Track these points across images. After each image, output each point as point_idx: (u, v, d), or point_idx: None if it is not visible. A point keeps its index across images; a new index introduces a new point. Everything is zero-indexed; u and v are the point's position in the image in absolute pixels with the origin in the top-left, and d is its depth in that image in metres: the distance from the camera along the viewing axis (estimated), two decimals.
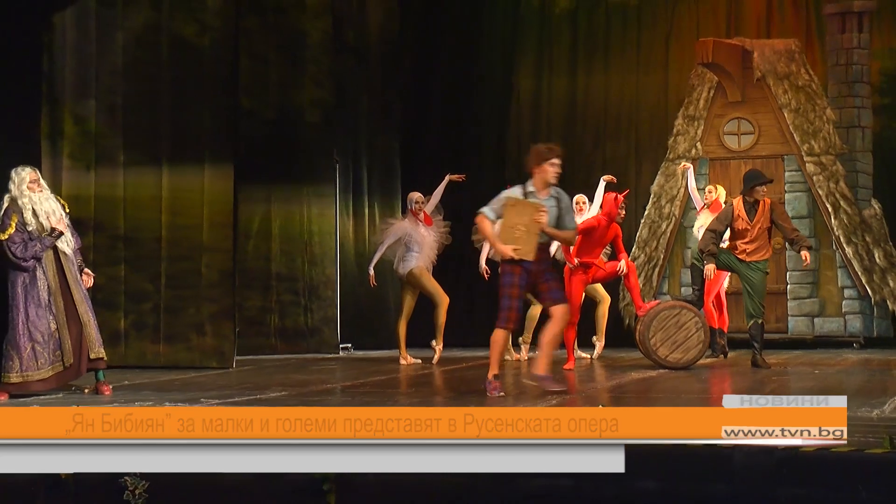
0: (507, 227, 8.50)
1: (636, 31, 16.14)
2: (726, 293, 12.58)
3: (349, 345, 14.36)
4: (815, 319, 14.66)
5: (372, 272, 12.60)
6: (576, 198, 12.70)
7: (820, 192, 14.61)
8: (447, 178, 12.73)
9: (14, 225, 9.00)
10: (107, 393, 9.17)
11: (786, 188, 14.80)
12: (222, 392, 9.11)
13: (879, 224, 14.81)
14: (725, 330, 12.48)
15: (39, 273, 9.10)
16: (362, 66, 15.31)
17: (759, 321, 11.11)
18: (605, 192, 11.84)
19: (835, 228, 14.51)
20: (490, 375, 8.60)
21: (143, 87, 12.07)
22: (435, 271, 12.49)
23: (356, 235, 15.00)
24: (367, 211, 15.20)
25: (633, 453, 5.67)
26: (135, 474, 5.97)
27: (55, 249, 9.17)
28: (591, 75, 16.19)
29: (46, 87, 11.42)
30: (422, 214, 12.38)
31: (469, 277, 13.82)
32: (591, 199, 12.64)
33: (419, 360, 12.28)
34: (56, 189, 11.65)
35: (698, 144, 15.08)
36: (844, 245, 14.49)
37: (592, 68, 16.20)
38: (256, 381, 10.17)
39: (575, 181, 14.01)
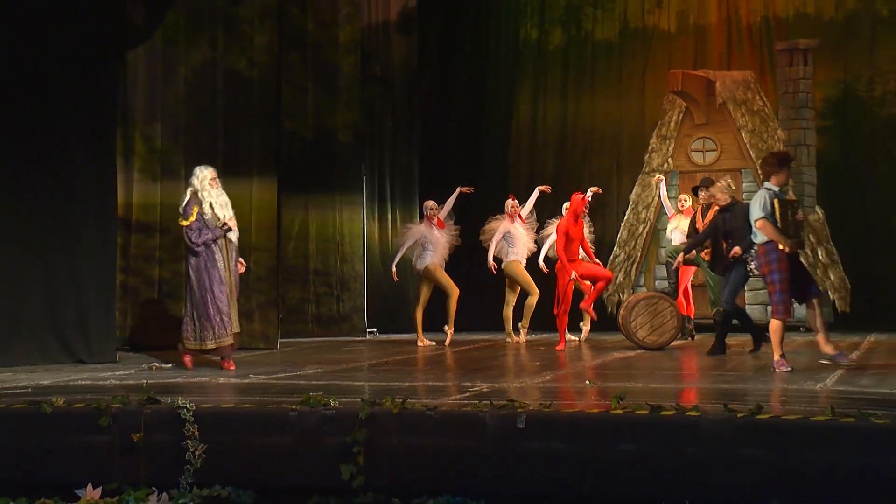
0: (782, 224, 8.34)
1: (618, 65, 16.15)
2: (692, 285, 12.58)
3: (375, 329, 14.37)
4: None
5: (394, 268, 12.60)
6: (566, 205, 12.71)
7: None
8: (458, 189, 12.73)
9: (195, 214, 9.09)
10: (231, 368, 9.18)
11: (743, 197, 14.74)
12: (268, 369, 9.13)
13: (822, 227, 14.79)
14: (692, 316, 12.48)
15: (218, 256, 9.16)
16: (387, 93, 15.33)
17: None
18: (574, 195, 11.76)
19: None
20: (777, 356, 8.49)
21: (202, 112, 12.10)
22: (447, 267, 12.50)
23: (380, 237, 15.01)
24: (389, 216, 15.21)
25: (615, 420, 5.68)
26: (194, 438, 5.98)
27: (226, 237, 9.23)
28: (579, 101, 16.21)
29: (121, 112, 11.45)
30: (436, 219, 12.38)
31: (476, 272, 13.83)
32: None
33: (434, 343, 12.28)
34: (127, 198, 11.76)
35: (670, 159, 15.08)
36: None
37: (581, 95, 16.22)
38: (297, 360, 10.18)
39: (567, 191, 14.03)
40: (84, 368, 9.27)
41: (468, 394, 6.96)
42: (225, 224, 9.14)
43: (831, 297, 14.48)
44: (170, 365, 9.50)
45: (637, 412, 5.70)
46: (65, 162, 9.80)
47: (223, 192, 9.32)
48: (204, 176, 9.21)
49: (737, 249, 9.69)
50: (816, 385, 7.38)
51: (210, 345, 9.12)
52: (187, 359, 9.24)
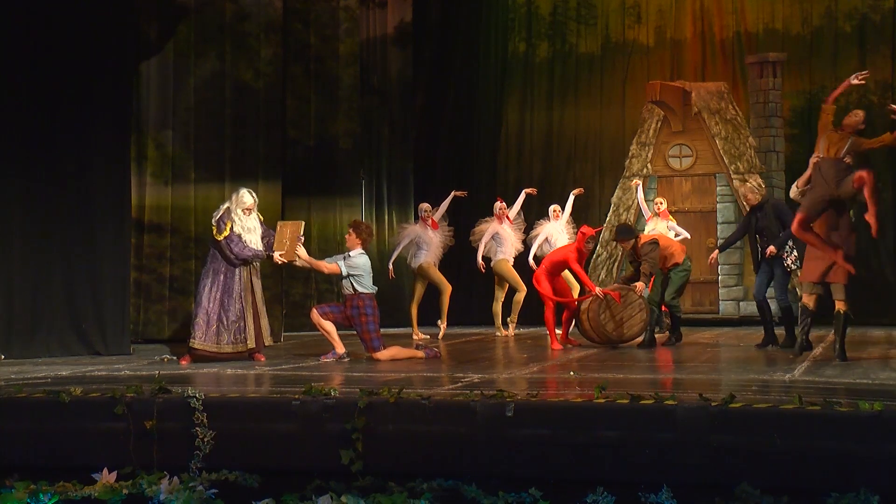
0: None
1: (599, 76, 16.19)
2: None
3: None
4: (740, 303, 14.66)
5: (391, 266, 12.59)
6: (552, 207, 12.74)
7: (744, 203, 14.59)
8: (452, 193, 12.73)
9: (229, 228, 9.02)
10: (261, 360, 9.12)
11: (717, 199, 14.82)
12: (272, 361, 9.11)
13: None
14: (666, 309, 12.42)
15: (238, 271, 9.09)
16: (384, 104, 15.32)
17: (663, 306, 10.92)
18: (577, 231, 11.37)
19: None
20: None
21: (211, 121, 12.06)
22: (440, 265, 12.50)
23: (378, 237, 14.98)
24: (386, 218, 15.20)
25: (597, 408, 5.69)
26: (203, 425, 5.97)
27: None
28: (564, 110, 16.23)
29: (134, 120, 11.42)
30: (430, 220, 12.37)
31: (467, 270, 13.82)
32: (563, 208, 12.71)
33: (428, 336, 12.27)
34: (140, 200, 11.74)
35: (648, 165, 15.09)
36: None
37: (565, 105, 16.25)
38: (299, 352, 10.17)
39: (552, 194, 14.12)
40: (100, 360, 9.25)
41: (460, 384, 6.96)
42: (270, 253, 9.10)
43: (798, 293, 14.47)
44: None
45: (618, 401, 5.70)
46: (84, 167, 9.79)
47: (257, 218, 9.24)
48: (242, 202, 9.12)
49: (771, 248, 9.69)
50: (785, 376, 7.39)
51: (196, 345, 8.98)
52: (183, 359, 9.03)
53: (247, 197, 9.17)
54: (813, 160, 8.52)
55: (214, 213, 9.26)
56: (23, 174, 9.51)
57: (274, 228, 9.33)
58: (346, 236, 9.32)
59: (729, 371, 8.00)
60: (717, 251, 10.93)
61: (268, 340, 9.31)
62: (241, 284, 9.10)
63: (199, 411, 5.99)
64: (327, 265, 9.20)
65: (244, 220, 9.10)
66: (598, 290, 10.47)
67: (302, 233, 9.17)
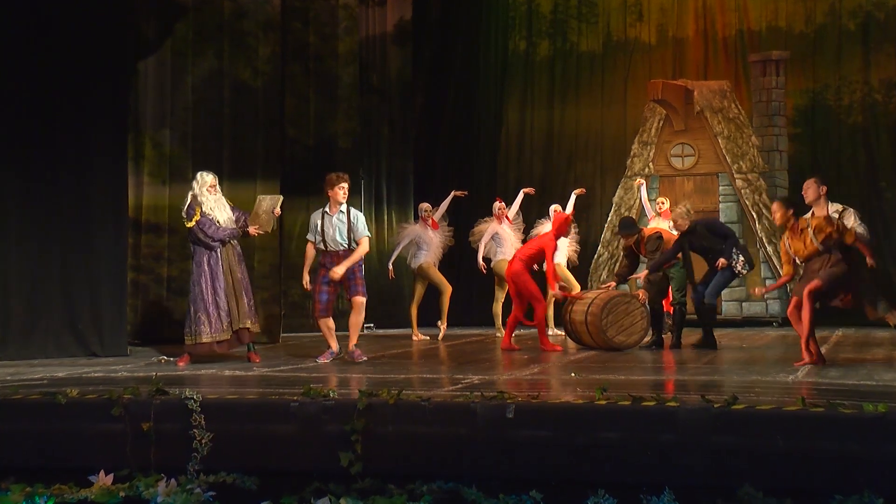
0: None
1: (601, 75, 16.20)
2: None
3: (372, 324, 14.32)
4: (743, 304, 14.65)
5: (390, 266, 12.59)
6: (553, 207, 12.73)
7: (747, 203, 14.60)
8: (452, 193, 12.72)
9: (199, 214, 9.03)
10: (256, 361, 9.14)
11: (720, 199, 14.81)
12: (271, 362, 9.11)
13: None
14: (672, 312, 12.43)
15: (220, 255, 9.10)
16: (384, 103, 15.33)
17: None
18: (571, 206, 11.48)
19: (758, 231, 14.51)
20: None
21: (209, 120, 12.06)
22: (440, 266, 12.49)
23: (377, 237, 14.98)
24: (386, 218, 15.19)
25: (599, 410, 5.68)
26: (201, 427, 5.96)
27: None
28: (564, 109, 16.25)
29: (132, 119, 11.41)
30: (430, 220, 12.37)
31: (467, 271, 13.81)
32: (563, 208, 12.69)
33: (428, 337, 12.27)
34: (137, 200, 11.75)
35: (650, 164, 15.08)
36: (766, 244, 14.48)
37: (566, 104, 16.27)
38: (298, 353, 10.16)
39: (552, 194, 14.11)
40: (97, 361, 9.25)
41: (460, 385, 6.95)
42: (244, 230, 9.13)
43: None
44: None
45: (619, 402, 5.69)
46: (82, 167, 9.80)
47: (221, 197, 9.27)
48: (204, 181, 9.18)
49: (722, 261, 9.79)
50: (788, 377, 7.38)
51: (205, 339, 9.02)
52: (181, 360, 9.04)
53: (207, 176, 9.23)
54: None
55: (182, 206, 9.29)
56: (20, 173, 9.52)
57: (248, 211, 9.38)
58: (340, 191, 9.18)
59: (731, 372, 7.99)
60: (645, 271, 10.50)
61: (246, 322, 9.23)
62: (221, 266, 9.12)
63: (196, 413, 5.98)
64: (361, 253, 9.17)
65: (211, 199, 9.14)
66: (556, 288, 10.63)
67: (279, 206, 9.32)
